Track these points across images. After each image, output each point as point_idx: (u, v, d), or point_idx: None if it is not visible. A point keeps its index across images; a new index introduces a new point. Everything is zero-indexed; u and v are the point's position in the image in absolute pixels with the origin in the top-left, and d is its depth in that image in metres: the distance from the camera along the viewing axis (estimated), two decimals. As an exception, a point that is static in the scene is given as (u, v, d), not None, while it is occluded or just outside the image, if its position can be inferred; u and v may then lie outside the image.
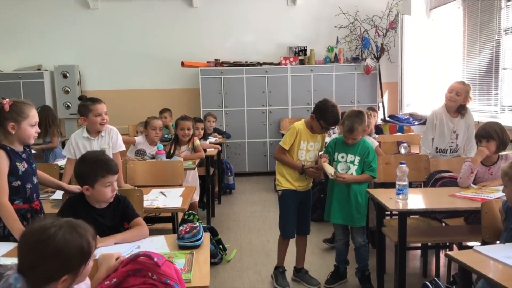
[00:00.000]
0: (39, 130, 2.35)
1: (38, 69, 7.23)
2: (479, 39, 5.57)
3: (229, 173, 6.20)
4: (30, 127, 2.27)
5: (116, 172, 2.25)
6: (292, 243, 3.43)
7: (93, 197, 2.21)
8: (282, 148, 3.20)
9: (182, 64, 6.99)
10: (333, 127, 3.20)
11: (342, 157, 3.20)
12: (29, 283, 1.28)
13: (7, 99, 2.23)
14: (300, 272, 3.43)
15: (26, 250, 1.31)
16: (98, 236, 2.06)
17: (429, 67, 6.89)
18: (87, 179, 2.17)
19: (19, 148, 2.30)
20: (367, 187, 3.22)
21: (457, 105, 3.76)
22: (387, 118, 7.04)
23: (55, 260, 1.29)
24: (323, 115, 3.09)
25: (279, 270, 3.38)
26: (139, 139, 4.44)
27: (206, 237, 2.16)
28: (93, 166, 2.18)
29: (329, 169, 3.08)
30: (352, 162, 3.17)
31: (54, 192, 2.98)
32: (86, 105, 3.24)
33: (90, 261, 1.39)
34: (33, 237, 1.31)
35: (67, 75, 7.16)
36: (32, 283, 1.28)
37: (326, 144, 3.39)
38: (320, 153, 3.25)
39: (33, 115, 2.29)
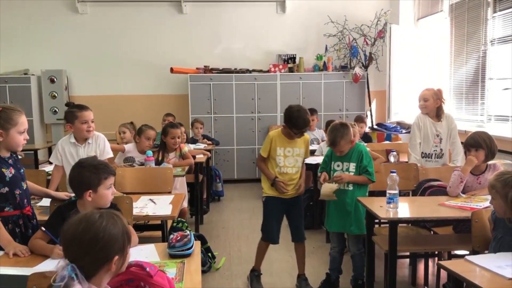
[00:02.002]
0: (28, 137, 2.31)
1: (25, 74, 7.12)
2: (466, 49, 5.66)
3: (218, 180, 6.17)
4: (19, 134, 2.23)
5: (115, 174, 2.28)
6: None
7: (94, 202, 2.17)
8: (261, 156, 3.33)
9: (171, 70, 6.98)
10: (306, 129, 3.25)
11: (338, 165, 3.23)
12: (84, 269, 1.32)
13: None
14: (299, 278, 3.45)
15: (76, 239, 1.35)
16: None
17: (417, 76, 6.97)
18: (91, 183, 2.15)
19: (5, 154, 2.25)
20: (366, 194, 3.23)
21: (429, 110, 3.88)
22: (375, 126, 7.10)
23: (105, 242, 1.36)
24: (291, 122, 3.17)
25: (254, 274, 3.44)
26: (129, 147, 4.39)
27: (197, 245, 2.15)
28: (95, 170, 2.17)
29: (327, 191, 3.12)
30: (347, 169, 3.19)
31: (41, 199, 2.93)
32: (73, 111, 3.21)
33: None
34: (80, 226, 1.36)
35: (55, 80, 7.06)
36: (87, 269, 1.33)
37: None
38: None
39: (22, 122, 2.24)
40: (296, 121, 3.15)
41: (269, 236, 3.37)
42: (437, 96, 3.85)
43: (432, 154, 3.90)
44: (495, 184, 2.14)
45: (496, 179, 2.15)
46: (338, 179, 3.12)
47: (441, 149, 3.89)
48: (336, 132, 3.12)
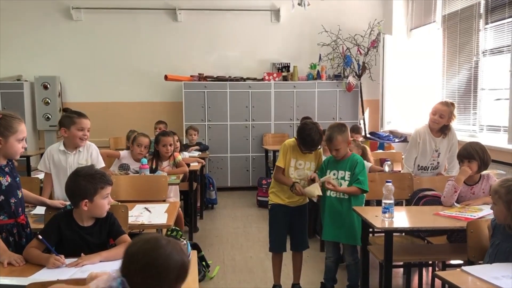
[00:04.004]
0: (26, 146, 2.29)
1: (18, 80, 7.08)
2: (458, 60, 5.72)
3: (212, 188, 6.16)
4: (17, 142, 2.21)
5: (112, 183, 2.25)
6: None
7: (90, 212, 2.16)
8: (279, 167, 3.25)
9: (166, 77, 6.98)
10: (313, 148, 3.20)
11: (334, 174, 3.22)
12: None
13: None
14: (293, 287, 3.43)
15: (137, 256, 1.34)
16: (82, 254, 2.04)
17: (410, 85, 7.04)
18: (87, 193, 2.13)
19: (2, 161, 2.23)
20: (362, 204, 3.23)
21: (440, 126, 3.79)
22: (368, 135, 7.14)
23: (161, 270, 1.34)
24: (301, 138, 3.15)
25: None
26: (124, 153, 4.38)
27: (193, 255, 2.13)
28: (91, 179, 2.15)
29: (312, 193, 3.10)
30: (343, 178, 3.19)
31: (35, 207, 2.90)
32: (71, 117, 3.18)
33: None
34: (147, 245, 1.36)
35: (48, 86, 7.02)
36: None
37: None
38: (310, 173, 3.25)
39: (21, 130, 2.23)
40: (304, 140, 3.13)
41: (274, 245, 3.35)
42: (452, 113, 3.74)
43: (428, 167, 3.87)
44: (499, 189, 2.16)
45: (501, 185, 2.17)
46: (330, 188, 3.12)
47: (438, 162, 3.87)
48: (334, 128, 3.14)
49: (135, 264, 1.34)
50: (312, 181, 3.16)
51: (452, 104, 3.80)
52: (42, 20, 7.29)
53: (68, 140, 3.20)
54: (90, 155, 3.25)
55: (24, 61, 7.27)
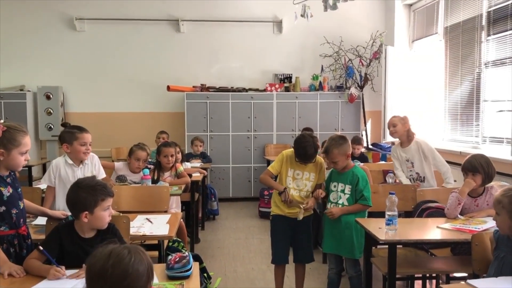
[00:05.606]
0: (29, 158, 2.27)
1: (21, 90, 7.10)
2: (460, 71, 5.72)
3: (213, 198, 6.14)
4: (20, 155, 2.19)
5: (113, 195, 2.23)
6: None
7: (90, 224, 2.14)
8: (269, 171, 3.29)
9: (168, 88, 6.99)
10: (305, 161, 3.20)
11: (335, 186, 3.21)
12: None
13: (0, 123, 2.15)
14: None
15: (105, 274, 1.35)
16: (83, 265, 2.02)
17: (412, 97, 7.03)
18: (87, 204, 2.11)
19: (4, 172, 2.22)
20: (364, 216, 3.20)
21: (400, 135, 4.11)
22: (370, 146, 7.13)
23: (133, 279, 1.37)
24: (296, 149, 3.19)
25: None
26: (119, 165, 4.34)
27: (195, 267, 2.12)
28: (92, 191, 2.14)
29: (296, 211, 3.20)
30: (343, 191, 3.17)
31: (36, 217, 2.88)
32: (73, 132, 3.18)
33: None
34: (110, 260, 1.36)
35: (51, 96, 7.05)
36: None
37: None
38: (310, 183, 3.27)
39: (25, 143, 2.21)
40: (297, 151, 3.16)
41: (276, 257, 3.33)
42: (404, 120, 4.06)
43: (410, 179, 4.06)
44: (502, 199, 2.13)
45: (504, 195, 2.15)
46: (329, 215, 3.12)
47: (417, 173, 4.04)
48: (332, 141, 3.15)
49: (105, 281, 1.34)
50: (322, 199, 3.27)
51: (403, 116, 4.14)
52: (46, 31, 7.33)
53: (72, 155, 3.21)
54: (94, 166, 3.28)
55: (27, 71, 7.30)
